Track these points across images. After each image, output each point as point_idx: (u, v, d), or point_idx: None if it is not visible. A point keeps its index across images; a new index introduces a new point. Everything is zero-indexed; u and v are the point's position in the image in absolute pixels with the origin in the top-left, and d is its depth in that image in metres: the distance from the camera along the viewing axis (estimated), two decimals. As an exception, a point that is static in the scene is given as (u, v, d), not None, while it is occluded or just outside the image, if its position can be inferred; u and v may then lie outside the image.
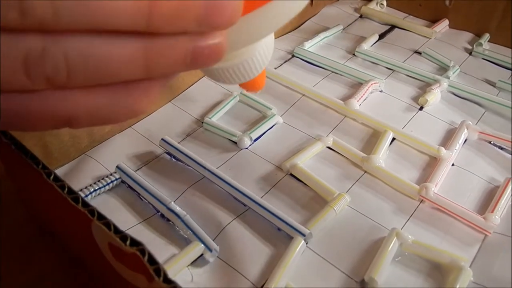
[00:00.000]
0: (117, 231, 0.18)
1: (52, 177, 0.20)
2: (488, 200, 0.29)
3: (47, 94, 0.14)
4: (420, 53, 0.43)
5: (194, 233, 0.25)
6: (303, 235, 0.26)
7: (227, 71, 0.21)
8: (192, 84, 0.39)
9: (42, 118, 0.14)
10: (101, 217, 0.18)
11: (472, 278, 0.24)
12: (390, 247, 0.25)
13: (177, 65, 0.14)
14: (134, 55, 0.14)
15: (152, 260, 0.16)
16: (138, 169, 0.31)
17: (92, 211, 0.19)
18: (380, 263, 0.24)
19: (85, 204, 0.19)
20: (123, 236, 0.17)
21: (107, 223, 0.18)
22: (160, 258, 0.22)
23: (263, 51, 0.22)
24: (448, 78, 0.39)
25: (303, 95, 0.38)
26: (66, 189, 0.19)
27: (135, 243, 0.17)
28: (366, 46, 0.43)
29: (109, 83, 0.14)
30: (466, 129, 0.34)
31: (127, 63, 0.14)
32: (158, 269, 0.16)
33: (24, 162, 0.21)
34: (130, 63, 0.14)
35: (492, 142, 0.33)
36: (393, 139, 0.33)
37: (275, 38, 0.45)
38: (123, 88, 0.15)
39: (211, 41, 0.14)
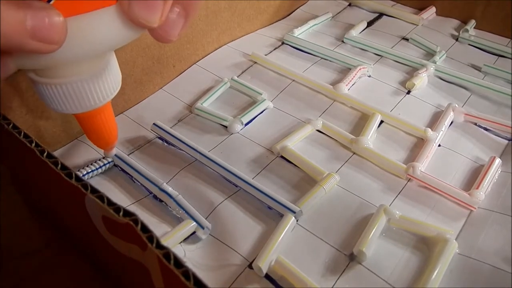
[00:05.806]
0: (110, 203, 0.18)
1: (45, 154, 0.20)
2: (473, 178, 0.30)
3: None
4: (407, 40, 0.44)
5: (187, 212, 0.26)
6: (293, 212, 0.26)
7: (62, 88, 0.18)
8: (183, 71, 0.39)
9: None
10: (94, 191, 0.19)
11: (457, 250, 0.25)
12: (378, 222, 0.25)
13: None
14: None
15: (145, 229, 0.17)
16: (131, 153, 0.31)
17: (85, 185, 0.19)
18: (368, 237, 0.24)
19: (78, 179, 0.19)
20: (117, 208, 0.18)
21: (101, 196, 0.18)
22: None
23: (106, 79, 0.19)
24: (435, 63, 0.39)
25: (293, 80, 0.38)
26: (60, 166, 0.20)
27: (128, 213, 0.18)
28: (354, 33, 0.43)
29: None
30: (452, 111, 0.34)
31: None
32: (151, 237, 0.17)
33: (18, 142, 0.21)
34: None
35: (477, 124, 0.34)
36: (381, 121, 0.34)
37: (265, 27, 0.46)
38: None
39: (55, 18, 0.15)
